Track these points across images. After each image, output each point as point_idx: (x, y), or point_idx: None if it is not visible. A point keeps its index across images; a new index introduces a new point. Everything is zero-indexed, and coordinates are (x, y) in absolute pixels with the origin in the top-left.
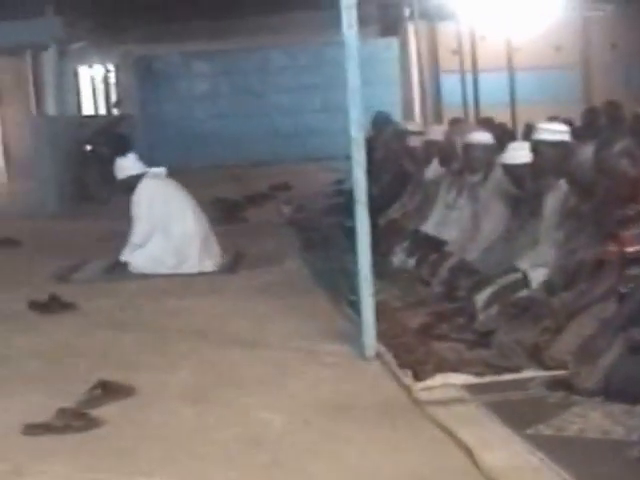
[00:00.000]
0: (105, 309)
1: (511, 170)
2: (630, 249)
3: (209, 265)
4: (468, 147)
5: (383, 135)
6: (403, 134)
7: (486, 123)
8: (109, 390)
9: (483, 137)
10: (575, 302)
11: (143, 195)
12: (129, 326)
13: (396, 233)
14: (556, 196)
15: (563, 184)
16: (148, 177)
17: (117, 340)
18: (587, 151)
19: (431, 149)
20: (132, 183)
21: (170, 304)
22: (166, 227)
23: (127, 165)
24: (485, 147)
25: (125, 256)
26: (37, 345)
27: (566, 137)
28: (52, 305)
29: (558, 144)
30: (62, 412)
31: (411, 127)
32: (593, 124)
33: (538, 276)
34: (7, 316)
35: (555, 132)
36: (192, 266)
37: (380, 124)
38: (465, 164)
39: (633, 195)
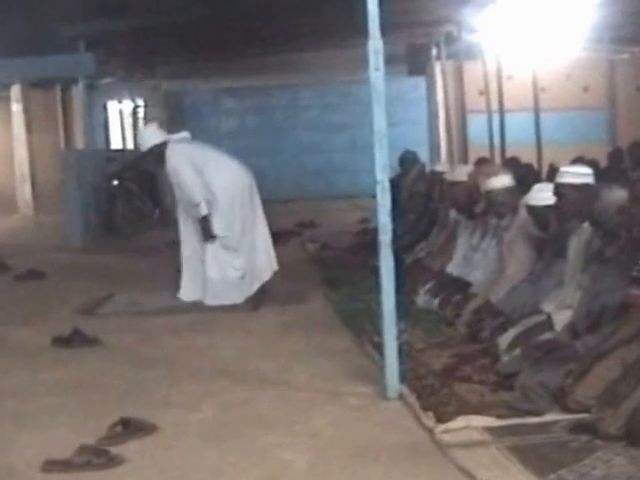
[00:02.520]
0: (129, 344)
1: (535, 211)
2: None
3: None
4: (490, 194)
5: (410, 174)
6: (430, 174)
7: (512, 163)
8: (131, 427)
9: (503, 180)
10: (599, 346)
11: (175, 159)
12: (152, 362)
13: (421, 273)
14: (580, 239)
15: (587, 227)
16: (173, 143)
17: (140, 376)
18: (612, 194)
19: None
20: (158, 153)
21: (194, 341)
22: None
23: (148, 134)
24: (507, 190)
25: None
26: (59, 380)
27: (590, 180)
28: (75, 339)
29: (582, 187)
30: (83, 449)
31: (439, 168)
32: (618, 166)
33: (562, 318)
34: (31, 350)
35: (578, 175)
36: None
37: (407, 163)
38: (490, 211)
39: None
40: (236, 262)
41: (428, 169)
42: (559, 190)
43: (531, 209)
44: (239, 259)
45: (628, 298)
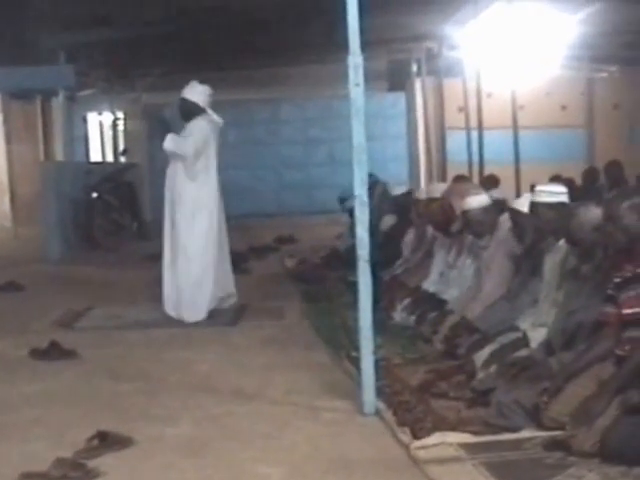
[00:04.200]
0: (106, 358)
1: (517, 217)
2: (627, 311)
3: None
4: (467, 214)
5: (374, 196)
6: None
7: (490, 181)
8: (107, 441)
9: (479, 200)
10: (573, 363)
11: (201, 125)
12: (129, 376)
13: (398, 289)
14: (556, 257)
15: (563, 245)
16: (208, 116)
17: (117, 390)
18: (588, 212)
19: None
20: (190, 110)
21: (171, 355)
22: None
23: (199, 91)
24: (484, 210)
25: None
26: (36, 393)
27: (564, 198)
28: (52, 352)
29: (557, 206)
30: (59, 462)
31: (398, 190)
32: (593, 184)
33: (538, 336)
34: (8, 362)
35: (553, 194)
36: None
37: (370, 185)
38: (467, 230)
39: (631, 254)
40: (199, 272)
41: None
42: (534, 209)
43: (514, 213)
44: (206, 270)
45: (602, 316)
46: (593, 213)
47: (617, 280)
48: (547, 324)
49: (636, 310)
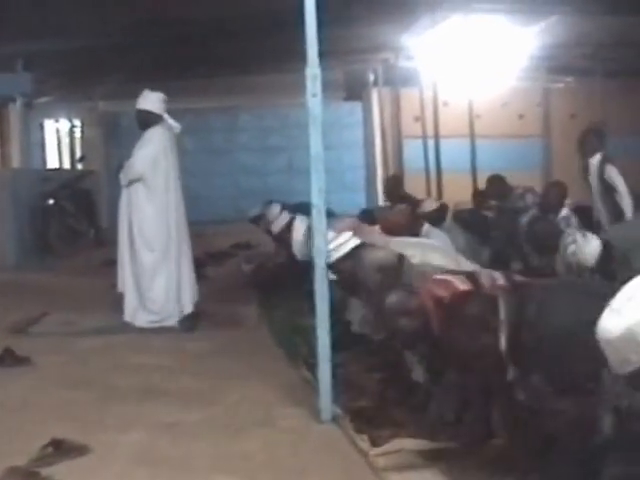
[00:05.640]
0: (60, 365)
1: None
2: None
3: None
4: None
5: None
6: None
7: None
8: (61, 449)
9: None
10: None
11: (158, 136)
12: (84, 383)
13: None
14: None
15: None
16: (164, 124)
17: (71, 397)
18: (371, 254)
19: None
20: (147, 119)
21: (126, 361)
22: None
23: (152, 99)
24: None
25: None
26: None
27: (353, 243)
28: (6, 359)
29: (349, 254)
30: (12, 470)
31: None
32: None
33: None
34: None
35: (340, 246)
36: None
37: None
38: None
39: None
40: (161, 283)
41: None
42: (335, 269)
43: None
44: (165, 280)
45: None
46: (375, 255)
47: None
48: None
49: None
